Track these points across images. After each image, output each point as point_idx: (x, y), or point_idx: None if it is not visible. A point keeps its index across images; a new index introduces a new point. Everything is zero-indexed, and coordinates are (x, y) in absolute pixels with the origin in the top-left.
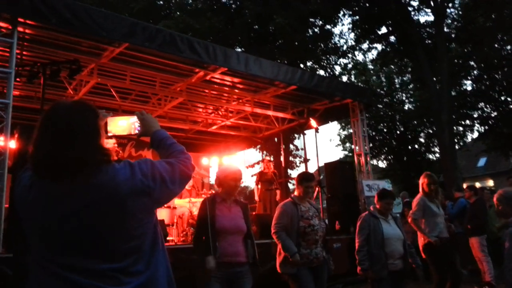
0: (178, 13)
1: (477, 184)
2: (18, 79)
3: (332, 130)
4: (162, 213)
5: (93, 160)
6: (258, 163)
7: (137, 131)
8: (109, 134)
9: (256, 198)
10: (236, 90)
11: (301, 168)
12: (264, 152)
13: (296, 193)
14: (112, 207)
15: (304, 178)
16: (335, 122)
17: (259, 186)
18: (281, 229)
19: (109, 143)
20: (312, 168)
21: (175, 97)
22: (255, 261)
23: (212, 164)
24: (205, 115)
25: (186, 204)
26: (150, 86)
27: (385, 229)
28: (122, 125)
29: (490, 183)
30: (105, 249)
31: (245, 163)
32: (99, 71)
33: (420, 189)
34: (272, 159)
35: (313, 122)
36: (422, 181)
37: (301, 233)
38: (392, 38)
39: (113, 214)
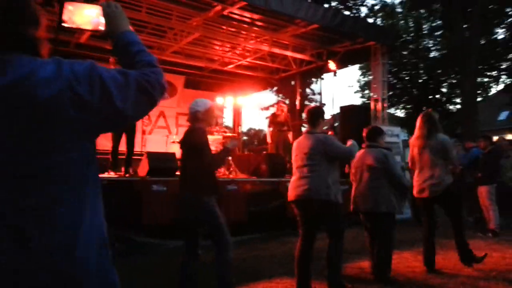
0: None
1: (495, 138)
2: None
3: (351, 76)
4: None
5: (5, 42)
6: (273, 105)
7: (101, 28)
8: (71, 26)
9: (269, 139)
10: (255, 28)
11: None
12: (280, 95)
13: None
14: (23, 117)
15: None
16: (356, 68)
17: (271, 129)
18: None
19: None
20: (328, 113)
21: (191, 32)
22: None
23: (227, 105)
24: (221, 53)
25: None
26: (166, 19)
27: None
28: (89, 15)
29: (509, 137)
30: (11, 174)
31: (259, 106)
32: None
33: None
34: (287, 102)
35: (331, 64)
36: None
37: None
38: None
39: (24, 127)
